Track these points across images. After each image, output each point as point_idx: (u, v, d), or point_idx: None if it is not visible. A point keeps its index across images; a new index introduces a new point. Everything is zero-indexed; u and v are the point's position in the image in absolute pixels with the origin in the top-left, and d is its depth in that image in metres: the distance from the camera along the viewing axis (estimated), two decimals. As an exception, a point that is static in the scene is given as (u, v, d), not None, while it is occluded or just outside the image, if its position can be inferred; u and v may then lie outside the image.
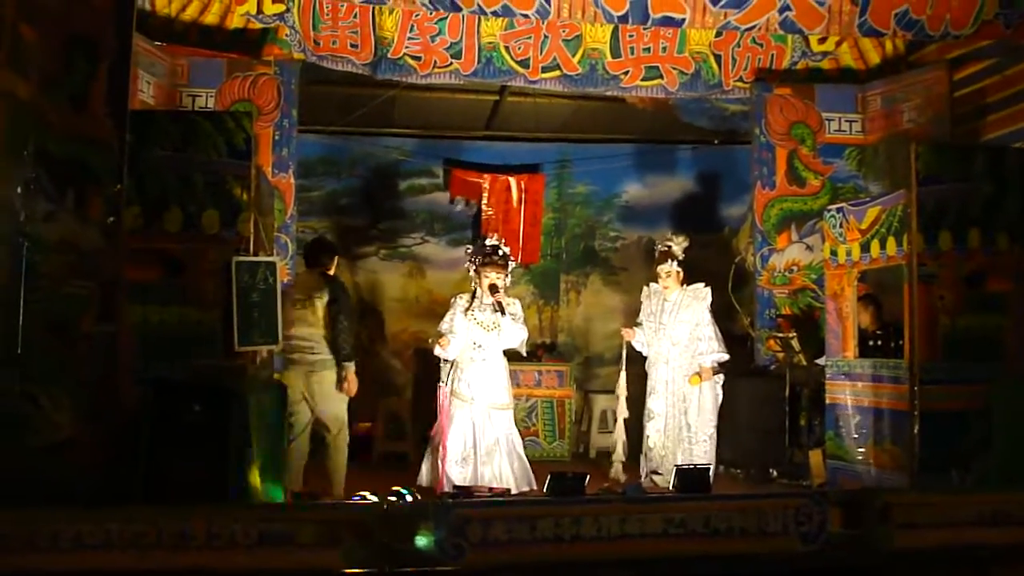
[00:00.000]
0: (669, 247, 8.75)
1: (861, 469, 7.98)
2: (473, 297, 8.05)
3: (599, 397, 11.39)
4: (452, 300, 8.20)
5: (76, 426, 5.82)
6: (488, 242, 8.18)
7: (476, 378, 7.93)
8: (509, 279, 8.22)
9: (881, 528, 5.76)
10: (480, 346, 7.97)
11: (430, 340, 8.17)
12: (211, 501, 5.66)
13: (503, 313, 7.90)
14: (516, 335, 8.05)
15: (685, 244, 8.77)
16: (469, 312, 7.97)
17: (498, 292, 7.96)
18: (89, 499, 5.58)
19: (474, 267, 8.07)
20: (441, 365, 8.10)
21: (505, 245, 8.23)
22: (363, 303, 12.06)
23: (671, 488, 6.59)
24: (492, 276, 7.98)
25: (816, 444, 8.86)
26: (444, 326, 8.02)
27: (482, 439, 7.86)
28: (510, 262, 8.20)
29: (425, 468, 8.00)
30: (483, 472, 7.80)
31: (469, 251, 8.27)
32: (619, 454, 8.76)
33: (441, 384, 8.03)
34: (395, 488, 7.06)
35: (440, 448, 7.82)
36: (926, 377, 7.25)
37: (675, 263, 8.68)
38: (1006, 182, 7.57)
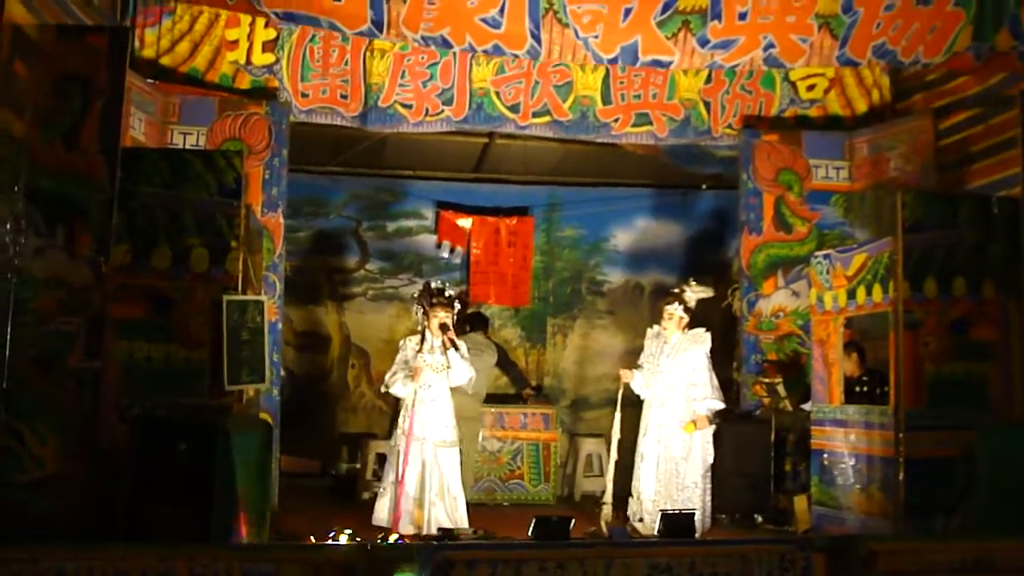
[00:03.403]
0: (683, 290, 8.70)
1: (846, 515, 7.98)
2: (422, 339, 8.13)
3: (585, 440, 11.36)
4: (401, 342, 8.29)
5: (60, 462, 5.81)
6: (434, 285, 8.33)
7: (427, 418, 8.02)
8: (455, 321, 8.33)
9: (865, 575, 5.75)
10: (430, 387, 8.07)
11: (386, 385, 8.20)
12: (194, 540, 5.63)
13: (456, 348, 8.05)
14: (464, 373, 8.17)
15: (702, 294, 8.72)
16: (419, 355, 8.07)
17: (449, 330, 8.10)
18: (72, 536, 5.56)
19: (423, 309, 8.17)
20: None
21: (451, 288, 8.43)
22: (349, 344, 12.07)
23: (656, 533, 6.56)
24: (442, 315, 8.11)
25: (801, 490, 8.85)
26: (397, 369, 8.11)
27: (433, 478, 7.94)
28: (456, 303, 8.32)
29: (381, 506, 8.02)
30: (435, 511, 7.88)
31: (416, 295, 8.36)
32: (608, 497, 8.71)
33: (397, 426, 8.14)
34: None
35: (397, 487, 7.91)
36: (911, 424, 7.28)
37: (681, 307, 8.61)
38: (991, 231, 7.64)
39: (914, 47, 8.40)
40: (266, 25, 9.40)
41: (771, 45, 8.42)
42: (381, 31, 8.05)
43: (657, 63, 8.53)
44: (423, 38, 8.14)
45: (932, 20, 8.34)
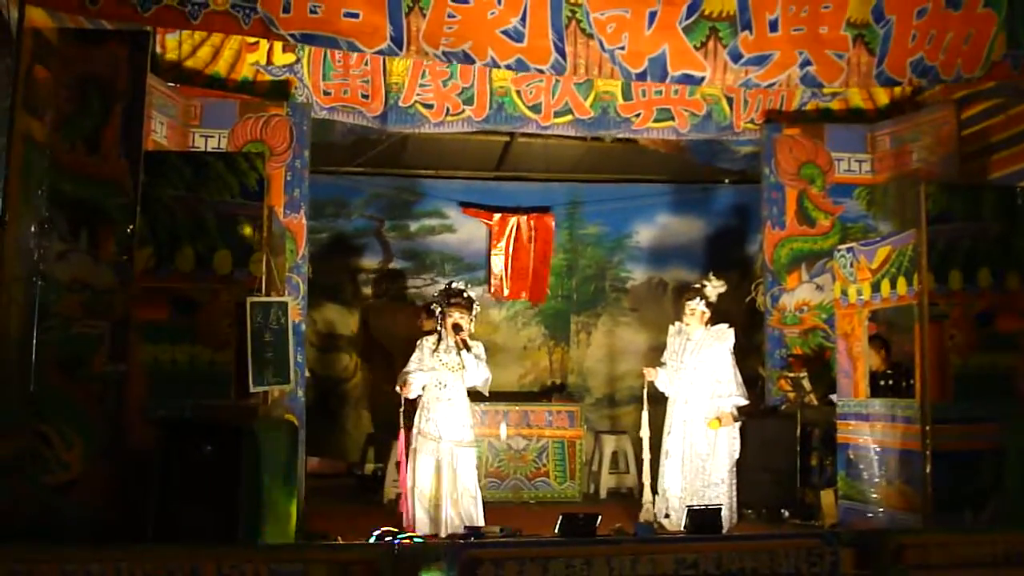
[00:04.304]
0: (703, 285, 8.70)
1: (873, 509, 7.95)
2: (439, 339, 8.19)
3: (610, 437, 11.35)
4: (419, 342, 8.34)
5: (86, 465, 5.85)
6: (454, 285, 8.39)
7: (442, 417, 8.06)
8: (473, 322, 8.35)
9: (894, 569, 5.72)
10: (445, 386, 8.11)
11: (398, 387, 8.22)
12: (221, 541, 5.65)
13: (468, 350, 8.07)
14: (479, 375, 8.18)
15: (721, 289, 8.71)
16: (435, 354, 8.13)
17: (462, 331, 8.14)
18: (99, 538, 5.59)
19: (440, 308, 8.23)
20: (403, 409, 8.18)
21: (470, 288, 8.46)
22: (373, 344, 12.08)
23: (683, 529, 6.56)
24: (456, 316, 8.17)
25: (828, 484, 8.82)
26: (411, 367, 8.16)
27: (449, 477, 7.96)
28: (475, 305, 8.36)
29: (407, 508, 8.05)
30: (449, 511, 7.89)
31: (436, 295, 8.45)
32: (647, 496, 8.69)
33: (402, 427, 8.15)
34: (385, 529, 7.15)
35: (411, 488, 7.99)
36: (938, 417, 7.23)
37: (703, 302, 8.62)
38: (1015, 221, 7.59)
39: (952, 61, 8.22)
40: (284, 48, 9.41)
41: (808, 62, 8.25)
42: (400, 48, 7.88)
43: (688, 78, 8.36)
44: (444, 53, 8.02)
45: (965, 26, 8.17)
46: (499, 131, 10.81)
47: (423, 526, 7.83)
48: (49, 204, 5.93)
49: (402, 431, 8.14)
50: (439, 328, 8.21)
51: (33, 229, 5.84)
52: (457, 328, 8.11)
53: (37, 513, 5.65)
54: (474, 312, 8.31)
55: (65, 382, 5.85)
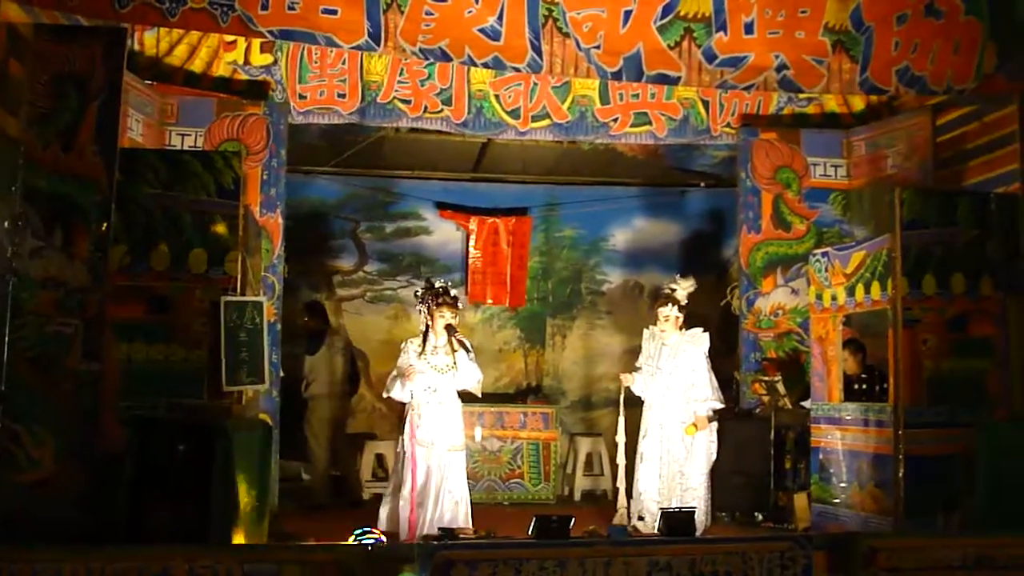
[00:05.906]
0: (673, 290, 8.66)
1: (846, 513, 7.98)
2: (424, 340, 8.01)
3: (584, 440, 11.36)
4: (403, 344, 8.14)
5: (58, 464, 5.81)
6: (438, 284, 8.17)
7: (433, 422, 7.87)
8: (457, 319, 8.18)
9: (865, 573, 5.73)
10: (435, 390, 7.92)
11: (386, 389, 8.09)
12: (193, 541, 5.62)
13: (467, 351, 7.94)
14: (473, 375, 8.04)
15: (690, 288, 8.68)
16: (422, 356, 7.95)
17: (455, 332, 7.98)
18: (70, 537, 5.55)
19: (427, 309, 8.04)
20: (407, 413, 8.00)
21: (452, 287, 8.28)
22: (348, 345, 12.04)
23: (656, 531, 6.56)
24: (448, 316, 7.98)
25: (801, 488, 8.85)
26: (402, 368, 7.97)
27: (440, 483, 7.82)
28: (459, 303, 8.19)
29: (384, 512, 7.95)
30: (430, 515, 7.76)
31: (419, 293, 8.22)
32: (622, 500, 8.66)
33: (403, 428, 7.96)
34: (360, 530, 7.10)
35: (402, 492, 7.79)
36: (911, 421, 7.28)
37: (675, 307, 8.57)
38: (989, 227, 7.66)
39: (942, 71, 8.15)
40: (261, 49, 9.44)
41: (784, 66, 8.21)
42: (378, 44, 7.84)
43: (663, 78, 8.32)
44: (421, 50, 8.00)
45: (951, 36, 8.14)
46: (477, 135, 10.81)
47: (404, 530, 7.72)
48: (23, 201, 5.90)
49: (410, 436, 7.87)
50: (423, 329, 8.08)
51: (7, 226, 5.81)
52: (451, 329, 7.96)
53: (7, 512, 5.61)
54: (459, 311, 8.18)
55: (38, 380, 5.81)
